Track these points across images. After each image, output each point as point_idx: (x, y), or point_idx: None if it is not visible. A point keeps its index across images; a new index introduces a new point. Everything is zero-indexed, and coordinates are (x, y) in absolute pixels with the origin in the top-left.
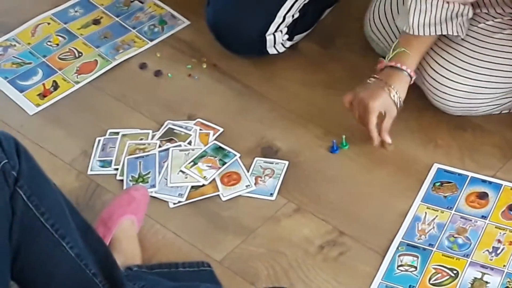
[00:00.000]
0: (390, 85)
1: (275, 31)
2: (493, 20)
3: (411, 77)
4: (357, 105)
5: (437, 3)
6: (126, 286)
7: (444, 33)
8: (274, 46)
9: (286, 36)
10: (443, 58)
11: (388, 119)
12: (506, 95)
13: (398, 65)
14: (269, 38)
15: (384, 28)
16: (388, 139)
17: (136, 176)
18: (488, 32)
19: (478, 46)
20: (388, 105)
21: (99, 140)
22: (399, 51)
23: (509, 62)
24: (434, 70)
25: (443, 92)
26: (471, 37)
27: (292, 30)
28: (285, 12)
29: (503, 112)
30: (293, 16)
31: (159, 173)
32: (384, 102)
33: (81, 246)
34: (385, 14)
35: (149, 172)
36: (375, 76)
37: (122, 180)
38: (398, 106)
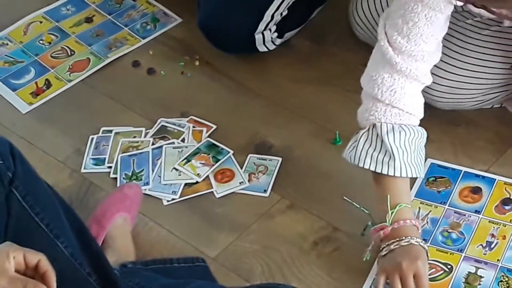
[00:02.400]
0: (413, 238)
1: (264, 29)
2: (481, 17)
3: (418, 228)
4: (405, 274)
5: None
6: (120, 283)
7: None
8: (264, 44)
9: (276, 34)
10: None
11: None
12: (491, 91)
13: (408, 222)
14: (257, 36)
15: (367, 18)
16: None
17: (130, 174)
18: (475, 28)
19: (464, 41)
20: (426, 259)
21: (92, 138)
22: (398, 209)
23: (495, 59)
24: None
25: (429, 87)
26: (458, 32)
27: (282, 28)
28: (273, 10)
29: (495, 106)
30: (281, 14)
31: (153, 170)
32: (425, 257)
33: (75, 245)
34: (368, 4)
35: (142, 170)
36: (386, 245)
37: (115, 178)
38: (425, 248)
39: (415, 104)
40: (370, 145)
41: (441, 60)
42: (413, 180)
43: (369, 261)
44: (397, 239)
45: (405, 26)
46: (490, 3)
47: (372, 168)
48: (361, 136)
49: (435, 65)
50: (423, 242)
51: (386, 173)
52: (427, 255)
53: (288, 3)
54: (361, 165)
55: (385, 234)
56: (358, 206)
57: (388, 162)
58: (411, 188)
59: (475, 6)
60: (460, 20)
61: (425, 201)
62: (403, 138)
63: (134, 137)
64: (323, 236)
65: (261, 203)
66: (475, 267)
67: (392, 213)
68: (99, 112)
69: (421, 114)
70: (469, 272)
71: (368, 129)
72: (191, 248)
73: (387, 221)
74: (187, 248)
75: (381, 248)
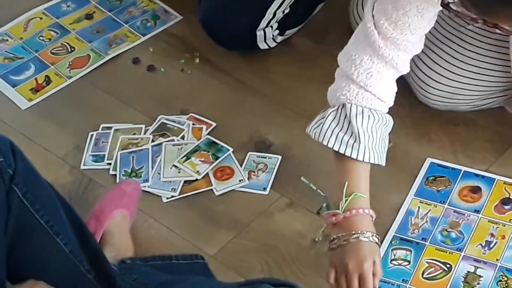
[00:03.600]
0: (363, 233)
1: (266, 26)
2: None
3: (372, 218)
4: (351, 276)
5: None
6: (118, 279)
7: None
8: (265, 41)
9: (277, 31)
10: (429, 57)
11: (378, 265)
12: (489, 96)
13: (360, 211)
14: (259, 33)
15: None
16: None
17: (129, 171)
18: (476, 34)
19: (464, 48)
20: (376, 253)
21: (92, 135)
22: (353, 198)
23: (494, 67)
24: (419, 68)
25: (427, 91)
26: (459, 38)
27: (283, 25)
28: (275, 8)
29: (494, 106)
30: (283, 11)
31: (152, 167)
32: (374, 253)
33: (75, 242)
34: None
35: (142, 167)
36: (336, 237)
37: (115, 175)
38: (378, 242)
39: (388, 91)
40: (337, 125)
41: (439, 65)
42: (412, 179)
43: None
44: (346, 234)
45: (394, 13)
46: (503, 22)
47: (336, 148)
48: (329, 114)
49: (433, 69)
50: (374, 235)
51: (349, 155)
52: (379, 247)
53: (291, 1)
54: (325, 143)
55: (337, 221)
56: (315, 188)
57: (353, 144)
58: (410, 187)
59: (488, 25)
60: (462, 25)
61: (424, 200)
62: (371, 123)
63: (134, 134)
64: (322, 235)
65: (260, 201)
66: (474, 266)
67: (346, 200)
68: (99, 109)
69: (391, 102)
70: (468, 272)
71: (337, 109)
72: (190, 245)
73: (340, 208)
74: (186, 245)
75: (331, 238)
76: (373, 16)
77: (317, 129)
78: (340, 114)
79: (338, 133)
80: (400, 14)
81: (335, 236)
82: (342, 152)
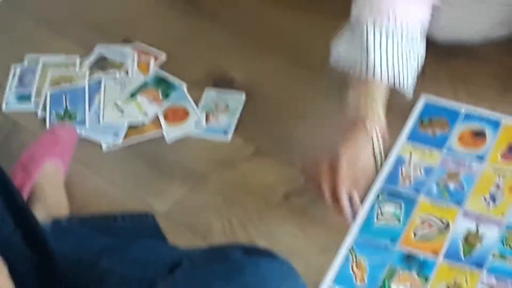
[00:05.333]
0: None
1: None
2: None
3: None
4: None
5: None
6: (50, 243)
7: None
8: None
9: None
10: None
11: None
12: (498, 26)
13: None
14: None
15: None
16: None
17: (62, 113)
18: None
19: None
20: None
21: (15, 69)
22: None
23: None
24: None
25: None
26: None
27: None
28: None
29: (499, 37)
30: None
31: (90, 109)
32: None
33: None
34: None
35: (77, 108)
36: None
37: (44, 118)
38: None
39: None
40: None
41: None
42: (404, 120)
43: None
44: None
45: None
46: None
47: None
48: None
49: None
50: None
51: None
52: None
53: None
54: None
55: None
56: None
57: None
58: (401, 131)
59: None
60: None
61: (418, 146)
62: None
63: (67, 67)
64: (295, 188)
65: (221, 149)
66: (476, 224)
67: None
68: (24, 37)
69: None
70: (469, 230)
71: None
72: (137, 201)
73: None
74: (132, 202)
75: None
76: None
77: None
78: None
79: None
80: None
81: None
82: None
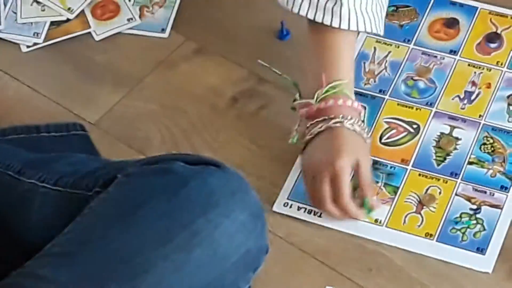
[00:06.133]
0: (349, 117)
1: None
2: None
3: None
4: (320, 179)
5: None
6: None
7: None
8: None
9: None
10: None
11: (363, 168)
12: None
13: (340, 101)
14: None
15: None
16: (378, 203)
17: None
18: None
19: None
20: (361, 149)
21: None
22: (335, 85)
23: None
24: None
25: None
26: None
27: None
28: None
29: None
30: None
31: (5, 4)
32: (358, 149)
33: None
34: None
35: None
36: (310, 125)
37: None
38: (367, 138)
39: None
40: None
41: None
42: None
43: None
44: (320, 120)
45: None
46: None
47: (310, 16)
48: None
49: None
50: (362, 125)
51: (328, 23)
52: (367, 143)
53: None
54: (295, 10)
55: (309, 114)
56: (279, 73)
57: (333, 8)
58: None
59: None
60: None
61: (382, 39)
62: None
63: None
64: (244, 90)
65: (157, 47)
66: (450, 126)
67: (325, 91)
68: None
69: None
70: (442, 133)
71: None
72: (63, 110)
73: (314, 98)
74: (58, 110)
75: (304, 133)
76: None
77: None
78: None
79: None
80: None
81: (308, 127)
82: (319, 21)
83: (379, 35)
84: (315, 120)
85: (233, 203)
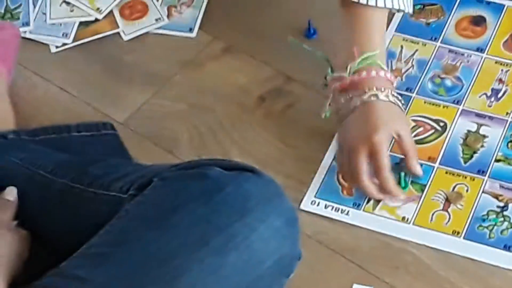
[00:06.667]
0: (384, 89)
1: None
2: None
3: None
4: (355, 155)
5: None
6: None
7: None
8: None
9: None
10: None
11: (405, 139)
12: None
13: (373, 73)
14: None
15: None
16: (419, 170)
17: (2, 11)
18: None
19: None
20: (400, 119)
21: None
22: (368, 57)
23: None
24: None
25: None
26: None
27: None
28: None
29: None
30: None
31: (34, 5)
32: (396, 119)
33: None
34: None
35: (20, 5)
36: (344, 100)
37: None
38: (402, 106)
39: None
40: None
41: None
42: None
43: (332, 120)
44: (355, 93)
45: None
46: None
47: None
48: None
49: None
50: (396, 95)
51: (357, 0)
52: (404, 112)
53: None
54: None
55: (341, 87)
56: (309, 49)
57: None
58: (390, 20)
59: None
60: None
61: (409, 37)
62: None
63: None
64: (272, 89)
65: (185, 47)
66: (477, 123)
67: (358, 62)
68: None
69: None
70: (469, 131)
71: None
72: (92, 110)
73: (347, 71)
74: (86, 110)
75: (339, 107)
76: None
77: None
78: None
79: None
80: None
81: (342, 102)
82: None
83: (408, 13)
84: (349, 94)
85: (269, 209)
